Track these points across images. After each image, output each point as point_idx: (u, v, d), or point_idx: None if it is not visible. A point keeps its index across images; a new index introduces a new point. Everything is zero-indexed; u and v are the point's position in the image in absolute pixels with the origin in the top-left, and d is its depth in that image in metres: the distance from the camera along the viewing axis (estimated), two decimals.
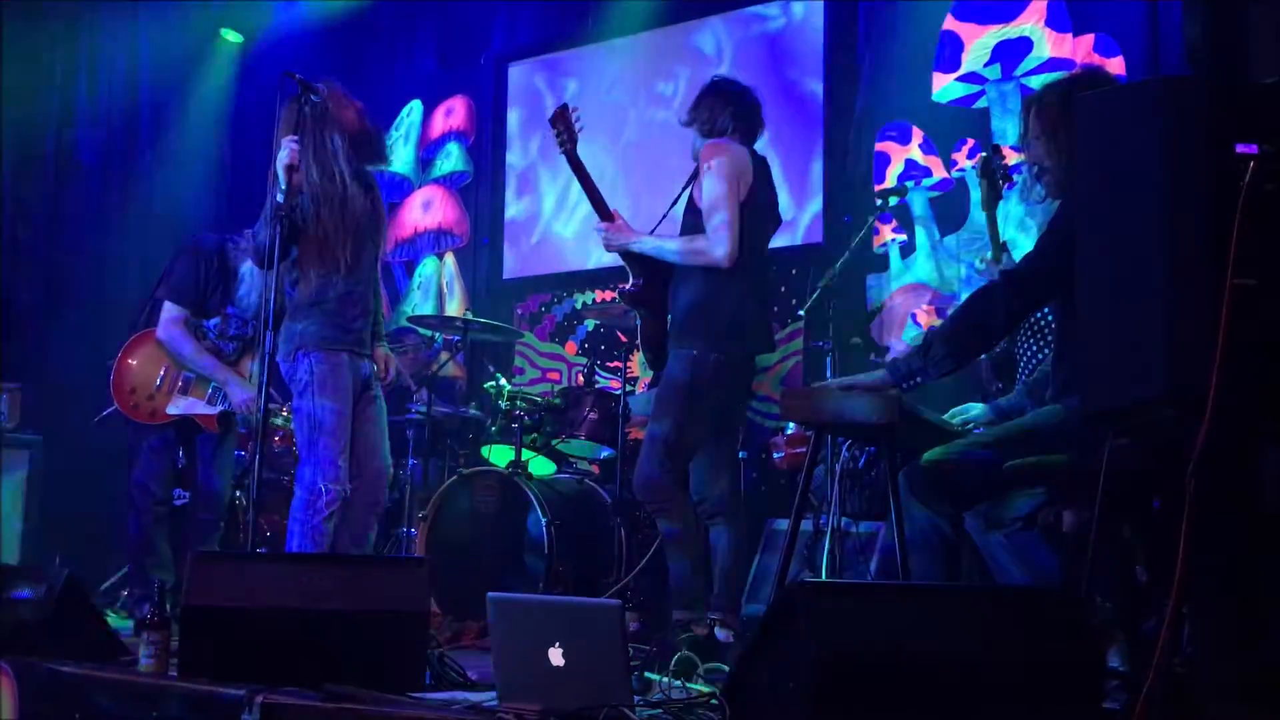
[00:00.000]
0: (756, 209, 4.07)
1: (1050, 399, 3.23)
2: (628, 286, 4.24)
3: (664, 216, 4.35)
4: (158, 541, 5.02)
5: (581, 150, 4.20)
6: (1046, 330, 3.95)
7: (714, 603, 4.03)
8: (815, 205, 6.44)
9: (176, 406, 4.99)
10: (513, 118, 7.79)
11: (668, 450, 3.96)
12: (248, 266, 5.02)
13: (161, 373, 4.99)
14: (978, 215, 5.78)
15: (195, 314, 5.02)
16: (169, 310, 4.98)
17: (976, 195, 5.73)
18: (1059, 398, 3.14)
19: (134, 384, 5.01)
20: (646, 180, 6.71)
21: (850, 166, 6.28)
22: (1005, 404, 3.72)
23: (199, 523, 5.06)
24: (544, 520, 5.01)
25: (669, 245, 4.08)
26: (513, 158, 7.75)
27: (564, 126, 4.18)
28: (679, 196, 4.26)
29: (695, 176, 4.12)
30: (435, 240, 7.91)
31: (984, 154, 3.88)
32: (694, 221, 4.06)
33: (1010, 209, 5.46)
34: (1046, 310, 3.87)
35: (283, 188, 3.97)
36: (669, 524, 3.99)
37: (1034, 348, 3.98)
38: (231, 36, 8.14)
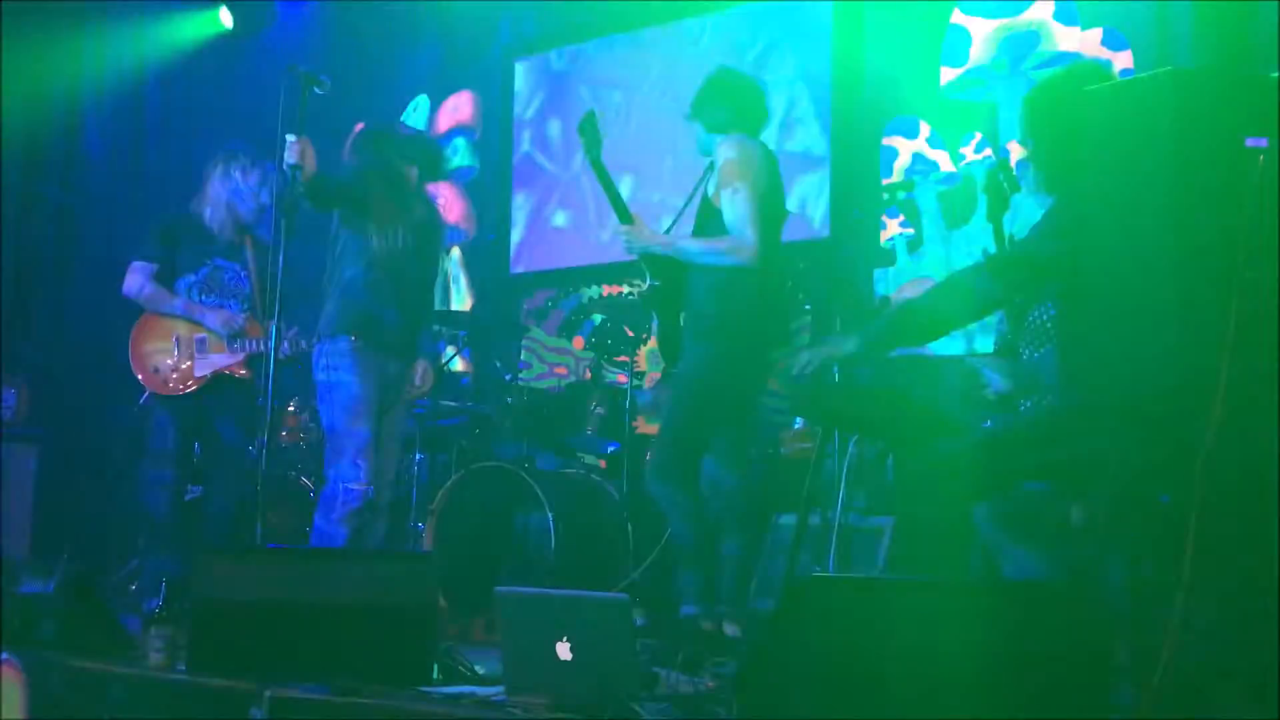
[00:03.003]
0: (769, 204, 4.06)
1: (1058, 393, 3.22)
2: (645, 288, 4.25)
3: (680, 214, 4.35)
4: (166, 534, 4.99)
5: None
6: (1049, 324, 3.93)
7: (722, 597, 4.03)
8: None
9: (203, 366, 4.92)
10: (520, 112, 7.78)
11: (680, 445, 3.96)
12: (215, 181, 4.98)
13: (174, 341, 4.96)
14: (985, 209, 5.77)
15: (165, 267, 4.97)
16: (132, 267, 4.97)
17: (983, 198, 5.72)
18: (1067, 391, 3.14)
19: (155, 364, 4.95)
20: (659, 163, 6.75)
21: (857, 161, 6.27)
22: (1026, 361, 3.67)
23: (213, 516, 5.03)
24: (551, 515, 5.01)
25: (693, 247, 4.07)
26: (520, 152, 7.75)
27: (590, 133, 4.19)
28: (693, 194, 4.24)
29: (709, 172, 4.12)
30: None
31: (990, 168, 3.88)
32: (711, 219, 4.03)
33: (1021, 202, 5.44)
34: (1049, 304, 3.87)
35: (289, 183, 4.05)
36: (679, 519, 3.99)
37: (1038, 340, 3.96)
38: (223, 19, 8.01)
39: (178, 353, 4.92)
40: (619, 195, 4.23)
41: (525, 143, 7.70)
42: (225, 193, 4.94)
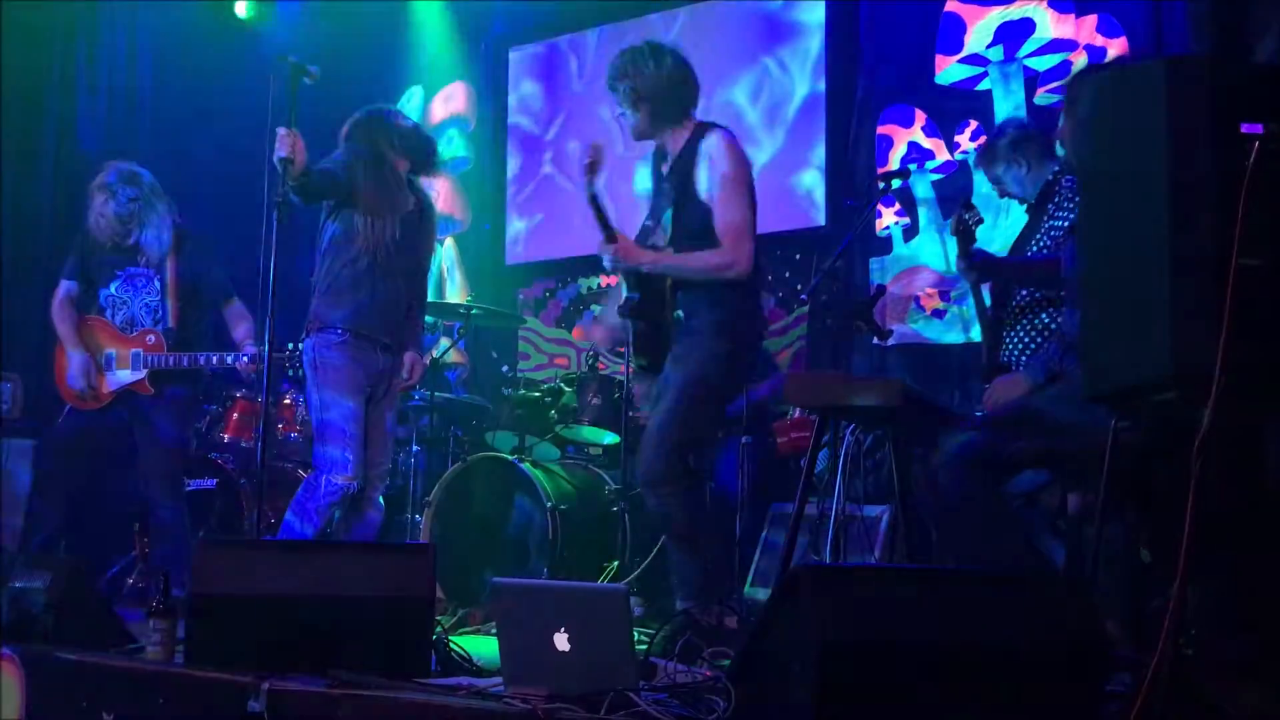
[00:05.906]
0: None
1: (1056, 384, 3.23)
2: (622, 302, 4.15)
3: (659, 221, 4.28)
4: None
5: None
6: (1038, 309, 3.92)
7: (720, 588, 4.02)
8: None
9: (113, 383, 5.06)
10: (514, 102, 7.76)
11: (673, 441, 3.93)
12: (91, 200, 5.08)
13: (86, 359, 5.08)
14: (981, 191, 5.77)
15: (84, 282, 5.12)
16: (59, 289, 5.14)
17: (980, 178, 5.72)
18: (1065, 381, 3.14)
19: (71, 380, 5.10)
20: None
21: (852, 149, 6.26)
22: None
23: (163, 525, 5.06)
24: (548, 506, 5.02)
25: (684, 265, 3.91)
26: (513, 142, 7.73)
27: (592, 166, 4.06)
28: (677, 190, 4.12)
29: (693, 166, 3.99)
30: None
31: (959, 211, 3.86)
32: (697, 217, 3.93)
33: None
34: (1037, 292, 3.87)
35: (280, 176, 4.03)
36: (673, 514, 3.96)
37: (1023, 326, 3.96)
38: (245, 11, 8.02)
39: (89, 369, 5.06)
40: (605, 214, 4.09)
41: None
42: (92, 213, 5.08)
